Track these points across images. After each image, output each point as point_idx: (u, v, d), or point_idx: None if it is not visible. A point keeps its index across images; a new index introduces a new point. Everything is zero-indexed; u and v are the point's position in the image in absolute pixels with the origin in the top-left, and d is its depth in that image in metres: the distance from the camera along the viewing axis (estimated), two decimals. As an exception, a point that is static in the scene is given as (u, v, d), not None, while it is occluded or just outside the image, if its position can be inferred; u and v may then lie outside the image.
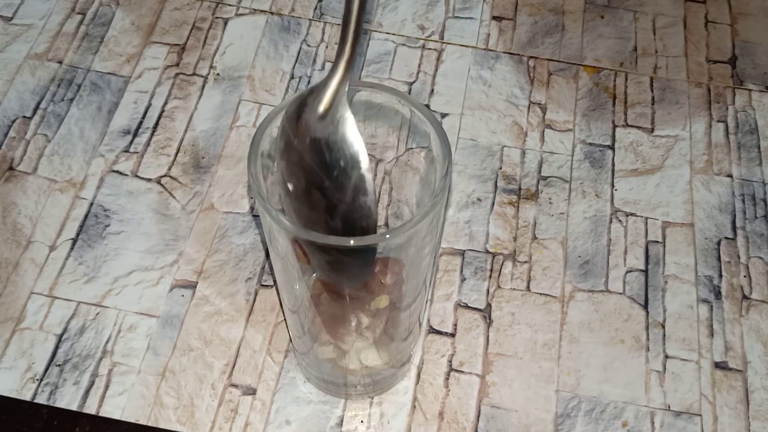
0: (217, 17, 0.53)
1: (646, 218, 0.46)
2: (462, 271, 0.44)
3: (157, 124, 0.48)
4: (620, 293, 0.43)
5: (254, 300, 0.43)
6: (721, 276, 0.44)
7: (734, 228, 0.46)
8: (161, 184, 0.46)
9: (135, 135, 0.48)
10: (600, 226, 0.46)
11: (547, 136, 0.49)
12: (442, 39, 0.53)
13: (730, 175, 0.48)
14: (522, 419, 0.40)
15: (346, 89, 0.30)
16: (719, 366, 0.41)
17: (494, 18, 0.54)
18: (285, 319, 0.42)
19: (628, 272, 0.44)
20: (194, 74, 0.51)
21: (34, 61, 0.51)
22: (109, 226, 0.45)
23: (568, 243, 0.45)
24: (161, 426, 0.39)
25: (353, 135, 0.30)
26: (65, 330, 0.41)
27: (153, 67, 0.51)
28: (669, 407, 0.40)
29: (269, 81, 0.50)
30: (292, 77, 0.51)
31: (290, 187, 0.31)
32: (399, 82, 0.51)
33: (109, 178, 0.46)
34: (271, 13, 0.54)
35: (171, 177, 0.46)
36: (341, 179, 0.30)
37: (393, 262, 0.34)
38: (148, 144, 0.48)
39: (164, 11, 0.53)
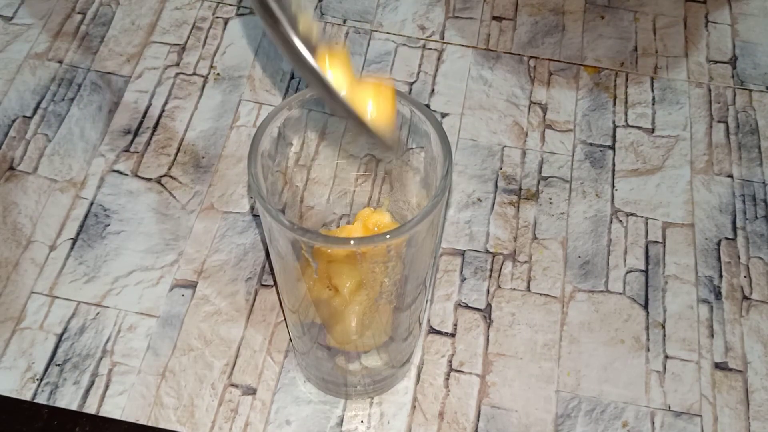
0: (217, 17, 0.53)
1: (647, 218, 0.46)
2: (462, 271, 0.44)
3: (157, 123, 0.48)
4: (620, 293, 0.43)
5: (254, 300, 0.43)
6: (721, 276, 0.44)
7: (734, 228, 0.46)
8: (161, 184, 0.46)
9: (135, 135, 0.48)
10: (600, 227, 0.45)
11: (548, 136, 0.49)
12: (443, 39, 0.53)
13: (730, 176, 0.48)
14: (522, 419, 0.40)
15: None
16: (719, 366, 0.41)
17: (494, 18, 0.54)
18: (285, 319, 0.42)
19: (628, 272, 0.44)
20: (194, 74, 0.51)
21: (34, 60, 0.51)
22: (109, 225, 0.45)
23: (569, 243, 0.45)
24: (161, 426, 0.39)
25: None
26: (65, 330, 0.41)
27: (153, 67, 0.51)
28: (669, 407, 0.40)
29: (269, 81, 0.50)
30: (292, 77, 0.51)
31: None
32: (399, 82, 0.51)
33: (110, 177, 0.46)
34: (272, 12, 0.54)
35: (171, 177, 0.46)
36: None
37: (393, 262, 0.34)
38: (148, 144, 0.48)
39: (164, 11, 0.53)
